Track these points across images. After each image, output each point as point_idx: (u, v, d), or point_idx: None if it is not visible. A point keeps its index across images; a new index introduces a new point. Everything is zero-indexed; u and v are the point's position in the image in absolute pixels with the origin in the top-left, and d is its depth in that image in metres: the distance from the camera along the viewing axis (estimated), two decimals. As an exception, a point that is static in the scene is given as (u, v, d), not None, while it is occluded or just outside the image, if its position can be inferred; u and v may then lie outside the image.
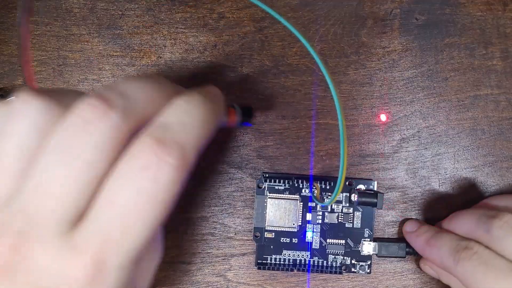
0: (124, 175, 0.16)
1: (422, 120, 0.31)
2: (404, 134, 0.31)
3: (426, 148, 0.31)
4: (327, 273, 0.30)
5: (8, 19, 0.30)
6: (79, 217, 0.16)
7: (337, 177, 0.30)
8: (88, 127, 0.16)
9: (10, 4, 0.30)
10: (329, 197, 0.30)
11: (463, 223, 0.27)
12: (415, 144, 0.31)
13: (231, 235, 0.30)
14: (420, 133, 0.31)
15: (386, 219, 0.31)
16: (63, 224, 0.16)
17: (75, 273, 0.15)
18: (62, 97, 0.17)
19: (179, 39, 0.30)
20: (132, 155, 0.16)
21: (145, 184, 0.15)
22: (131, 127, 0.16)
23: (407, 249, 0.30)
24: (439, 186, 0.31)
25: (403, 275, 0.31)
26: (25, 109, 0.17)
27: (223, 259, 0.30)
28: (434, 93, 0.31)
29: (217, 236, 0.30)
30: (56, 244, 0.15)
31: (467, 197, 0.31)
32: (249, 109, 0.26)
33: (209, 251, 0.30)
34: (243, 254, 0.30)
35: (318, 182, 0.29)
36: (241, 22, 0.30)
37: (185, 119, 0.17)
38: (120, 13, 0.30)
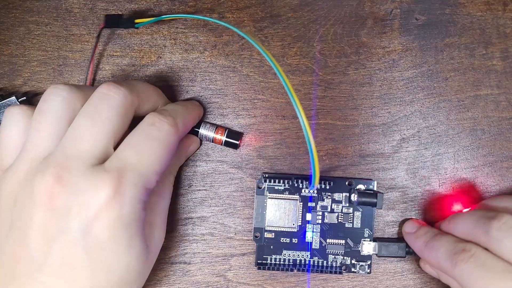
0: (137, 129, 0.23)
1: (422, 120, 0.31)
2: (404, 134, 0.31)
3: (426, 148, 0.31)
4: (327, 273, 0.30)
5: (8, 19, 0.30)
6: (105, 157, 0.22)
7: (337, 177, 0.30)
8: (105, 97, 0.23)
9: (10, 4, 0.30)
10: (329, 197, 0.30)
11: (462, 224, 0.27)
12: (415, 144, 0.31)
13: (231, 235, 0.30)
14: (420, 133, 0.31)
15: (386, 219, 0.31)
16: (93, 159, 0.22)
17: (103, 188, 0.21)
18: (83, 88, 0.24)
19: (179, 39, 0.30)
20: (142, 120, 0.24)
21: (152, 132, 0.23)
22: (135, 102, 0.24)
23: (407, 249, 0.30)
24: (439, 186, 0.31)
25: (403, 275, 0.31)
26: (56, 92, 0.23)
27: (223, 259, 0.30)
28: (434, 93, 0.31)
29: (217, 236, 0.30)
30: (88, 171, 0.21)
31: (467, 197, 0.31)
32: (237, 133, 0.29)
33: (209, 251, 0.30)
34: (243, 254, 0.30)
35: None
36: (241, 22, 0.30)
37: (175, 108, 0.26)
38: (120, 13, 0.30)
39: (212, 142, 0.29)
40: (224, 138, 0.29)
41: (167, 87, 0.30)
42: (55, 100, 0.23)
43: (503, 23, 0.31)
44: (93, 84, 0.30)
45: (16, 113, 0.24)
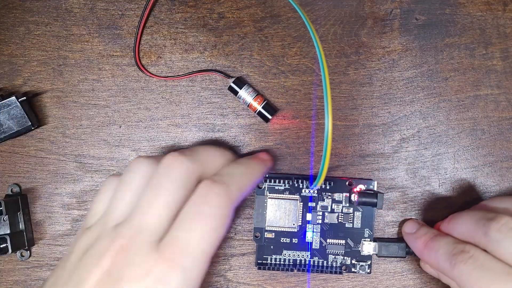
0: (189, 204, 0.23)
1: (422, 120, 0.31)
2: (404, 134, 0.31)
3: (426, 148, 0.31)
4: (327, 273, 0.30)
5: (8, 19, 0.30)
6: (165, 230, 0.22)
7: (337, 177, 0.30)
8: (169, 169, 0.23)
9: (10, 4, 0.30)
10: (329, 197, 0.30)
11: (462, 225, 0.27)
12: (415, 144, 0.31)
13: (231, 235, 0.30)
14: (420, 133, 0.31)
15: (386, 219, 0.31)
16: (155, 235, 0.22)
17: (152, 271, 0.21)
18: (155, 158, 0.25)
19: (179, 39, 0.30)
20: (195, 192, 0.23)
21: (203, 209, 0.23)
22: (197, 170, 0.24)
23: (407, 249, 0.30)
24: (439, 186, 0.31)
25: (403, 275, 0.31)
26: (137, 165, 0.24)
27: (223, 259, 0.30)
28: (434, 93, 0.31)
29: (217, 236, 0.30)
30: (146, 249, 0.21)
31: (466, 197, 0.31)
32: (273, 108, 0.30)
33: (209, 251, 0.30)
34: (243, 254, 0.30)
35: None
36: (241, 22, 0.30)
37: (234, 171, 0.25)
38: (120, 13, 0.30)
39: (248, 107, 0.30)
40: (259, 108, 0.29)
41: (167, 87, 0.30)
42: (136, 173, 0.24)
43: (503, 23, 0.31)
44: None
45: (109, 182, 0.25)
